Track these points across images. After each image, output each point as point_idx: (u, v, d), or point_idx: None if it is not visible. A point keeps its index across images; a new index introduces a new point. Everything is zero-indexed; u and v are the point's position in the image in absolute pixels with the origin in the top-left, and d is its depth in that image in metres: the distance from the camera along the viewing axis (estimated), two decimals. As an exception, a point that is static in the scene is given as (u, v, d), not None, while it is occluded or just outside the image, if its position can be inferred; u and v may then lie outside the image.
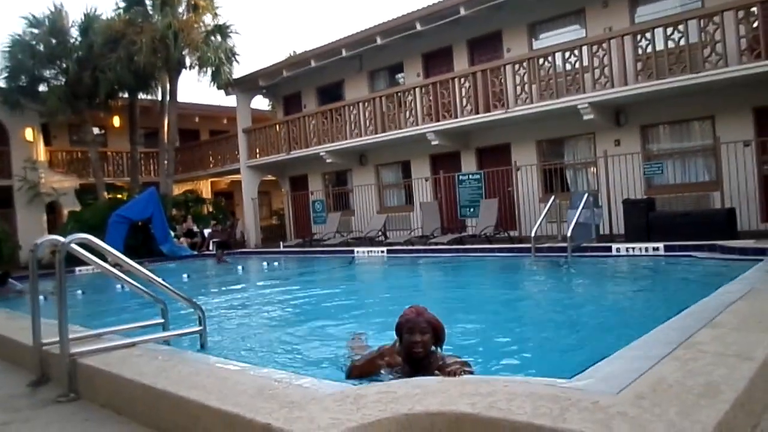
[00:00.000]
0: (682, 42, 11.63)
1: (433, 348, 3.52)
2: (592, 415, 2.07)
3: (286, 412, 2.33)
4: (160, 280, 4.12)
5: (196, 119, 27.83)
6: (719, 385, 2.32)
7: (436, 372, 3.23)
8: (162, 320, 4.57)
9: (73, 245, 3.94)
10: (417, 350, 3.41)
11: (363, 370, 3.62)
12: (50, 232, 20.22)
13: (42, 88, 21.55)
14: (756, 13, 11.01)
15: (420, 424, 2.21)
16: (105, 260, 4.42)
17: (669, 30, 11.80)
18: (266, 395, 2.61)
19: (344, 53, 18.29)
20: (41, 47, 20.89)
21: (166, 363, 3.44)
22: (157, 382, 3.00)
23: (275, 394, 2.62)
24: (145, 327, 4.59)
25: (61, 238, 3.94)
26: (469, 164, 16.42)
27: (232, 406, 2.45)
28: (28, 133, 22.44)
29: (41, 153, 22.87)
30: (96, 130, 24.57)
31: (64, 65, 21.00)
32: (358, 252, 14.43)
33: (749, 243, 8.57)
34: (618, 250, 10.03)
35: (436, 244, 13.67)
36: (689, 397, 2.22)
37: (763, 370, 2.61)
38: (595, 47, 12.81)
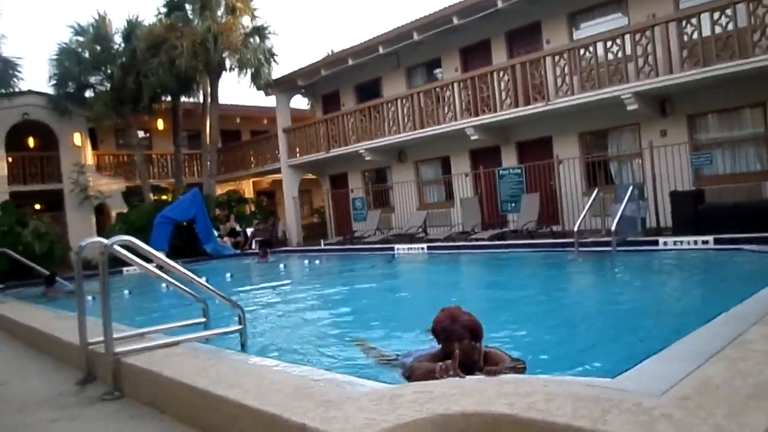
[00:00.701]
0: (730, 27, 11.21)
1: (475, 345, 3.47)
2: (635, 417, 2.00)
3: (322, 412, 2.32)
4: (200, 279, 4.17)
5: (237, 120, 28.28)
6: (771, 386, 2.22)
7: (476, 373, 3.18)
8: (203, 319, 4.63)
9: (116, 247, 4.03)
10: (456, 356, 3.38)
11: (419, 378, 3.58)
12: (99, 233, 20.83)
13: (88, 94, 22.27)
14: (810, -7, 10.55)
15: (456, 424, 2.18)
16: (149, 261, 4.51)
17: (716, 15, 11.39)
18: (302, 394, 2.61)
19: (381, 50, 18.28)
20: (87, 54, 21.56)
21: (206, 362, 3.48)
22: (197, 381, 3.04)
23: (311, 393, 2.62)
24: (186, 326, 4.66)
25: (104, 240, 4.03)
26: (509, 159, 16.22)
27: (269, 406, 2.45)
28: (77, 138, 23.16)
29: (89, 157, 23.59)
30: (141, 134, 25.20)
31: (109, 71, 21.62)
32: (398, 249, 14.41)
33: (804, 234, 8.22)
34: (665, 243, 9.75)
35: (477, 240, 13.56)
36: (737, 398, 2.12)
37: (819, 369, 2.48)
38: (638, 35, 12.47)
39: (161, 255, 4.15)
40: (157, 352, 3.89)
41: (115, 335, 3.98)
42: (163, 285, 9.65)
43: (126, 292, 11.01)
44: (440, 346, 3.49)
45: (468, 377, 2.84)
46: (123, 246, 4.13)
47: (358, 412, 2.28)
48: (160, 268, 4.59)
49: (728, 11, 11.23)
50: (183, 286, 4.49)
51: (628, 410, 2.06)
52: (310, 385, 2.74)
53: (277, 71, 22.20)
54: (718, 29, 11.38)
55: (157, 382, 3.38)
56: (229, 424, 2.69)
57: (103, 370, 3.96)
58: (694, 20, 11.77)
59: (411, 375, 3.30)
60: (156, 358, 3.69)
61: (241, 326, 4.22)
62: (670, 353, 2.96)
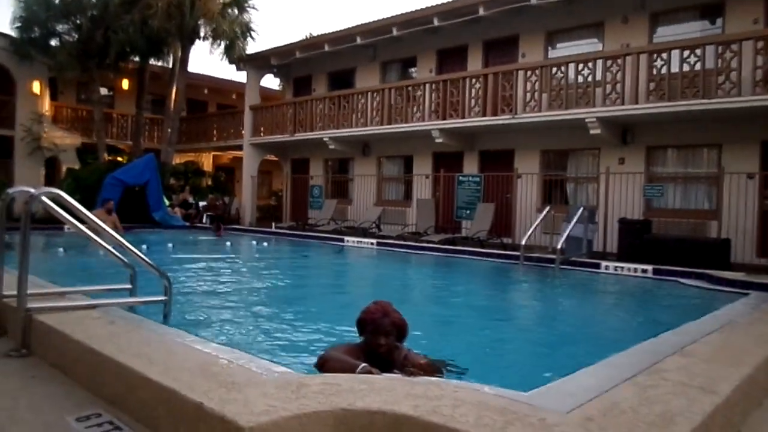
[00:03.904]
0: (698, 66, 11.48)
1: (398, 344, 3.44)
2: (535, 431, 1.99)
3: (223, 393, 2.25)
4: (129, 245, 4.02)
5: (205, 91, 27.70)
6: (674, 416, 2.24)
7: (394, 371, 3.14)
8: (129, 286, 4.49)
9: (45, 199, 3.86)
10: (380, 351, 3.33)
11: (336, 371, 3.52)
12: (47, 186, 20.08)
13: (54, 42, 21.40)
14: (775, 45, 10.87)
15: (358, 420, 2.13)
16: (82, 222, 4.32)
17: (686, 53, 11.65)
18: (208, 373, 2.52)
19: (359, 41, 18.14)
20: (56, 0, 20.72)
21: (120, 329, 3.36)
22: (104, 346, 2.92)
23: (218, 372, 2.54)
24: (111, 290, 4.51)
25: (32, 190, 3.85)
26: (471, 166, 16.30)
27: (170, 381, 2.37)
28: (36, 86, 22.29)
29: (46, 107, 22.74)
30: (103, 91, 24.42)
31: (78, 21, 20.82)
32: (348, 241, 14.34)
33: (738, 275, 8.46)
34: (606, 267, 9.93)
35: (428, 242, 13.58)
36: (639, 425, 2.13)
37: (725, 405, 2.53)
38: (609, 62, 12.66)
39: (90, 214, 3.98)
40: (73, 313, 3.75)
41: (33, 291, 3.82)
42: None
43: (61, 249, 10.63)
44: (362, 338, 3.43)
45: (381, 375, 2.80)
46: (52, 199, 3.96)
47: (260, 397, 2.21)
48: (91, 228, 4.42)
49: (698, 51, 11.49)
50: (112, 250, 4.33)
51: (530, 425, 2.04)
52: (218, 364, 2.66)
53: (252, 47, 21.85)
54: (686, 67, 11.64)
55: (65, 344, 3.24)
56: (127, 394, 2.59)
57: (13, 325, 3.79)
58: (664, 55, 12.01)
59: (324, 364, 3.23)
60: (69, 319, 3.55)
61: (165, 297, 4.09)
62: (587, 373, 2.98)
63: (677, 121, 12.35)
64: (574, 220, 10.72)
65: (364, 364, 3.02)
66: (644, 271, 9.45)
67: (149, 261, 4.06)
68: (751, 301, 6.41)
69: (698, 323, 4.53)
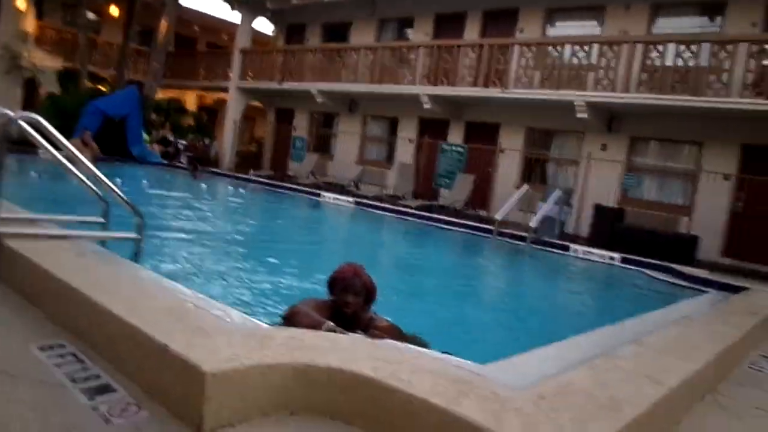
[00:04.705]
0: (691, 63, 11.54)
1: (365, 307, 3.51)
2: (488, 404, 2.06)
3: (189, 337, 2.27)
4: (104, 178, 3.98)
5: (196, 28, 27.02)
6: (622, 402, 2.33)
7: (358, 331, 3.20)
8: (102, 220, 4.44)
9: (21, 122, 3.78)
10: (347, 310, 3.40)
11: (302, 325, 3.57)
12: (24, 109, 19.55)
13: (42, -43, 20.60)
14: (769, 50, 10.96)
15: (318, 376, 2.18)
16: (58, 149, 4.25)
17: (681, 47, 11.68)
18: (176, 315, 2.55)
19: (358, -6, 17.81)
20: None
21: (90, 263, 3.35)
22: (73, 279, 2.91)
23: (186, 316, 2.57)
24: (83, 222, 4.47)
25: (10, 113, 3.77)
26: (456, 135, 16.28)
27: (136, 319, 2.38)
28: (21, 2, 21.47)
29: (30, 26, 21.97)
30: (91, 16, 23.65)
31: (70, -62, 20.06)
32: (325, 196, 14.32)
33: (702, 272, 8.69)
34: (576, 251, 10.11)
35: (405, 206, 13.63)
36: (589, 406, 2.22)
37: (670, 396, 2.63)
38: (605, 47, 12.65)
39: (68, 143, 3.92)
40: (44, 242, 3.71)
41: (4, 215, 3.76)
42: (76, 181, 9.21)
43: (34, 173, 10.44)
44: (331, 297, 3.49)
45: (346, 335, 2.85)
46: (30, 123, 3.88)
47: (225, 345, 2.25)
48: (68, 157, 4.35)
49: (693, 47, 11.53)
50: (87, 181, 4.28)
51: (483, 397, 2.11)
52: (186, 308, 2.68)
53: (249, -13, 21.22)
54: (680, 62, 11.69)
55: (33, 272, 3.22)
56: (93, 328, 2.60)
57: (-19, 247, 3.74)
58: (660, 47, 12.04)
59: (291, 317, 3.27)
60: (39, 248, 3.51)
61: (137, 236, 4.07)
62: (545, 352, 3.08)
63: (663, 115, 12.45)
64: (550, 201, 10.85)
65: (330, 323, 3.08)
66: (612, 258, 9.64)
67: (124, 197, 4.02)
68: (710, 299, 6.61)
69: (656, 315, 4.68)
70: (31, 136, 3.87)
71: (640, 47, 12.28)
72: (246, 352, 2.18)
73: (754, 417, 3.16)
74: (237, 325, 2.57)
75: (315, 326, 2.99)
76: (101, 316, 2.54)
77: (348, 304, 3.39)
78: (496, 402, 2.08)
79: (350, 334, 2.97)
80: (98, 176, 4.02)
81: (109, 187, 3.97)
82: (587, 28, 14.48)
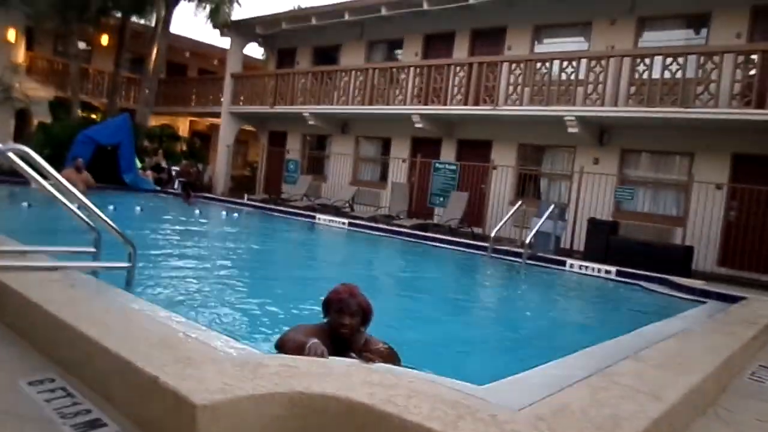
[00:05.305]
0: (679, 75, 11.65)
1: (360, 329, 3.47)
2: (486, 427, 2.02)
3: (180, 368, 2.24)
4: (95, 208, 3.95)
5: (187, 54, 27.13)
6: (621, 421, 2.30)
7: (352, 354, 3.16)
8: (94, 249, 4.42)
9: (11, 155, 3.77)
10: (343, 331, 3.34)
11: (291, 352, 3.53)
12: (16, 140, 19.56)
13: (33, -11, 20.70)
14: (756, 61, 11.06)
15: (313, 404, 2.14)
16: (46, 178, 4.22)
17: (668, 60, 11.79)
18: (167, 346, 2.51)
19: (347, 17, 17.92)
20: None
21: (80, 294, 3.31)
22: (61, 311, 2.88)
23: (176, 346, 2.53)
24: (74, 253, 4.43)
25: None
26: (448, 153, 16.33)
27: (126, 352, 2.35)
28: (11, 34, 21.61)
29: (21, 57, 22.06)
30: (82, 45, 23.76)
31: (60, -30, 20.18)
32: (319, 219, 14.29)
33: (698, 283, 8.66)
34: (571, 265, 10.08)
35: (400, 226, 13.61)
36: (587, 426, 2.18)
37: (670, 412, 2.60)
38: (594, 62, 12.76)
39: (55, 173, 3.90)
40: (33, 274, 3.68)
41: (-8, 248, 3.73)
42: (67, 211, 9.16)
43: (25, 204, 10.37)
44: (326, 319, 3.45)
45: (340, 359, 2.81)
46: (19, 155, 3.87)
47: (216, 374, 2.21)
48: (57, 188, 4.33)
49: (680, 59, 11.64)
50: (77, 211, 4.25)
51: (481, 420, 2.08)
52: (177, 338, 2.64)
53: (238, 13, 21.48)
54: (667, 74, 11.79)
55: (21, 304, 3.18)
56: (83, 361, 2.56)
57: (-30, 281, 3.70)
58: (648, 60, 12.15)
59: (283, 345, 3.24)
60: (28, 280, 3.48)
61: (129, 264, 4.04)
62: (541, 371, 3.04)
63: (653, 127, 12.53)
64: (545, 216, 10.85)
65: (314, 340, 3.00)
66: (608, 272, 9.61)
67: (115, 227, 4.00)
68: (707, 310, 6.58)
69: (654, 328, 4.65)
70: (20, 168, 3.86)
71: (627, 61, 12.41)
72: (238, 381, 2.15)
73: (756, 429, 3.13)
74: (230, 354, 2.54)
75: (301, 347, 2.94)
76: (91, 348, 2.50)
77: (344, 326, 3.33)
78: (494, 425, 2.05)
79: (344, 358, 2.93)
80: (88, 206, 3.99)
81: (101, 217, 3.95)
82: (575, 44, 14.62)
